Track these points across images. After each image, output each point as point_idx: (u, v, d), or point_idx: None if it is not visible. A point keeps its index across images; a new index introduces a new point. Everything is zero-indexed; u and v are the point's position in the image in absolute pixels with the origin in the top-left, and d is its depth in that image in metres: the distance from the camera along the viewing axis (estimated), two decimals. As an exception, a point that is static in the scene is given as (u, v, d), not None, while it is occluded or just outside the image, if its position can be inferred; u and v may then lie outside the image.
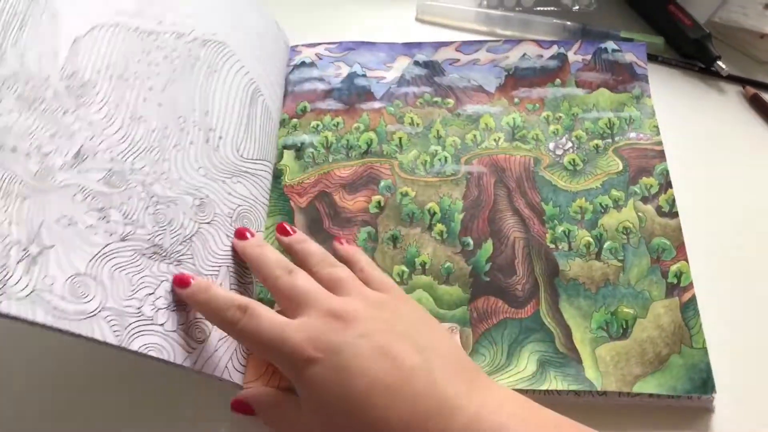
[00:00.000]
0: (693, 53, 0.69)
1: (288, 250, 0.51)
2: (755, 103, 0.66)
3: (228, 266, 0.50)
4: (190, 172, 0.50)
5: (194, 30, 0.57)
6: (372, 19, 0.73)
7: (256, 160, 0.58)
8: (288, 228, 0.52)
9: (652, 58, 0.69)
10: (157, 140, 0.50)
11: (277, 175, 0.61)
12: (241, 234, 0.51)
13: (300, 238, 0.51)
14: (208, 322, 0.48)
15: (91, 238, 0.42)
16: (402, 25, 0.73)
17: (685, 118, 0.65)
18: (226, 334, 0.48)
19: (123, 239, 0.44)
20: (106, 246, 0.43)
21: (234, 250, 0.51)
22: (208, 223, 0.49)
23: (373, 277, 0.46)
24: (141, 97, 0.48)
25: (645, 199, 0.58)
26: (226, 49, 0.57)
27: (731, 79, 0.68)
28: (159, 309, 0.45)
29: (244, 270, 0.52)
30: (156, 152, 0.49)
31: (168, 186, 0.48)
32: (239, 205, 0.54)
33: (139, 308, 0.43)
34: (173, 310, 0.46)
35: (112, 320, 0.41)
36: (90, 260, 0.41)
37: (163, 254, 0.47)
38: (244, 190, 0.55)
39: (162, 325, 0.44)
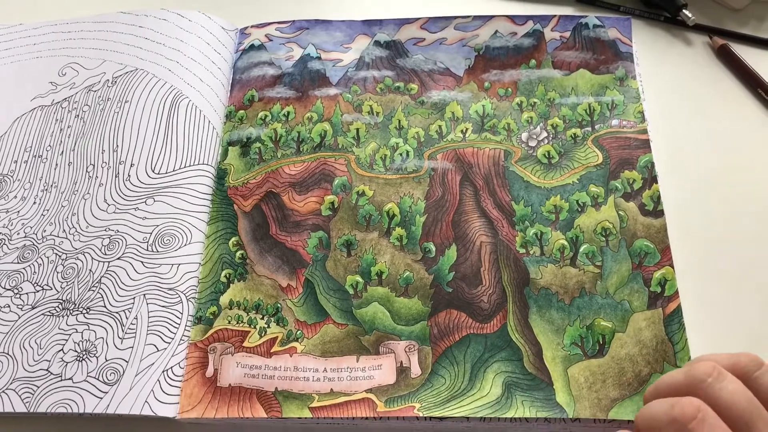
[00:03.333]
0: (657, 1, 0.64)
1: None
2: (724, 55, 0.61)
3: (144, 294, 0.49)
4: (99, 214, 0.53)
5: (104, 73, 0.60)
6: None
7: (180, 170, 0.55)
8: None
9: (612, 8, 0.63)
10: (66, 198, 0.53)
11: (221, 175, 0.56)
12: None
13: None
14: (123, 360, 0.44)
15: (4, 317, 0.46)
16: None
17: (650, 75, 0.60)
18: (144, 367, 0.45)
19: (33, 307, 0.46)
20: (18, 319, 0.46)
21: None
22: (118, 258, 0.51)
23: None
24: (53, 166, 0.55)
25: (627, 196, 0.53)
26: (138, 73, 0.60)
27: (698, 28, 0.63)
28: (68, 363, 0.45)
29: (166, 292, 0.49)
30: (66, 210, 0.52)
31: (77, 238, 0.51)
32: (157, 226, 0.52)
33: (47, 369, 0.44)
34: (82, 359, 0.45)
35: (22, 389, 0.42)
36: (2, 339, 0.44)
37: (72, 307, 0.47)
38: (163, 207, 0.53)
39: (71, 378, 0.44)
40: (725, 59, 0.61)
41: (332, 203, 0.54)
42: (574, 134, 0.57)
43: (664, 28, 0.65)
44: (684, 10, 0.62)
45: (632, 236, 0.51)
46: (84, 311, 0.46)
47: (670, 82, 0.61)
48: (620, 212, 0.52)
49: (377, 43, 0.63)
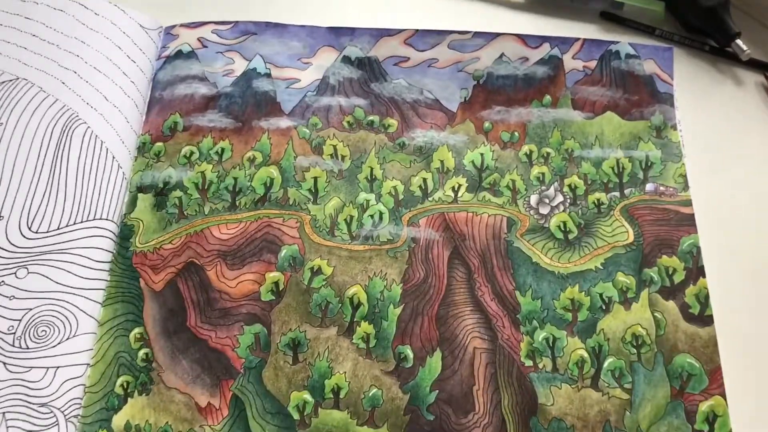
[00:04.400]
0: (703, 27, 0.54)
1: None
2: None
3: (3, 413, 0.40)
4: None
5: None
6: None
7: (68, 227, 0.45)
8: None
9: (645, 30, 0.56)
10: None
11: (125, 235, 0.46)
12: None
13: None
14: None
15: None
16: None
17: (691, 122, 0.52)
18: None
19: None
20: None
21: None
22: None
23: None
24: None
25: (665, 292, 0.44)
26: (18, 84, 0.48)
27: (753, 64, 0.54)
28: None
29: (36, 409, 0.40)
30: None
31: None
32: (29, 310, 0.42)
33: None
34: None
35: None
36: None
37: None
38: (41, 282, 0.43)
39: None
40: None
41: (276, 284, 0.45)
42: (598, 200, 0.48)
43: (708, 60, 0.55)
44: (737, 41, 0.53)
45: (672, 349, 0.43)
46: None
47: (716, 134, 0.52)
48: (656, 314, 0.44)
49: (347, 60, 0.53)
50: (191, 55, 0.52)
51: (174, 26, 0.54)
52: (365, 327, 0.44)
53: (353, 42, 0.53)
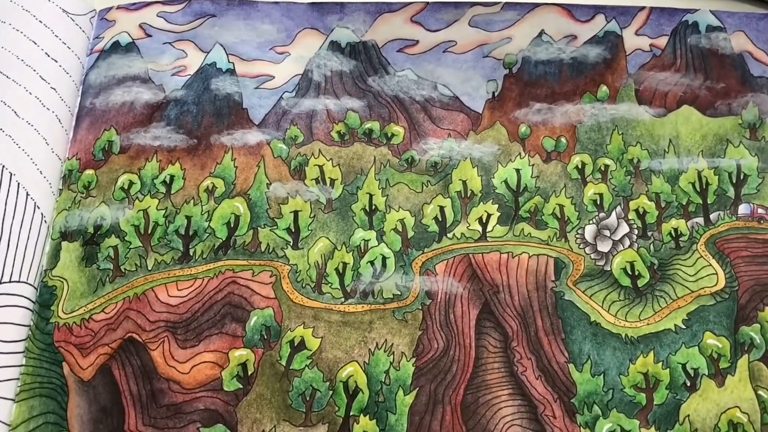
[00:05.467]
0: None
1: None
2: None
3: None
4: None
5: None
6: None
7: None
8: None
9: None
10: None
11: (44, 301, 0.38)
12: None
13: None
14: None
15: None
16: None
17: None
18: None
19: None
20: None
21: None
22: None
23: None
24: None
25: None
26: None
27: None
28: None
29: None
30: None
31: None
32: None
33: None
34: None
35: None
36: None
37: None
38: None
39: None
40: None
41: (244, 366, 0.37)
42: (676, 230, 0.40)
43: None
44: None
45: None
46: None
47: None
48: (761, 392, 0.36)
49: (335, 47, 0.45)
50: (131, 47, 0.44)
51: (110, 9, 0.46)
52: (365, 424, 0.36)
53: (343, 22, 0.46)
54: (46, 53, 0.41)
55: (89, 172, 0.40)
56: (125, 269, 0.38)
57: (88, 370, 0.36)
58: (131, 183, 0.41)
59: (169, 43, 0.44)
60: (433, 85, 0.44)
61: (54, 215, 0.40)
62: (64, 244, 0.39)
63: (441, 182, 0.42)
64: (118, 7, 0.46)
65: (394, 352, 0.37)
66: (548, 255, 0.40)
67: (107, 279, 0.38)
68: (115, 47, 0.44)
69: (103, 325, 0.37)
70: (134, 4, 0.46)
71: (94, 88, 0.43)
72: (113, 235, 0.39)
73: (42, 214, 0.38)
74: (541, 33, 0.45)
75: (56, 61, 0.41)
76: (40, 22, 0.41)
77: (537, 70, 0.44)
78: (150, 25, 0.44)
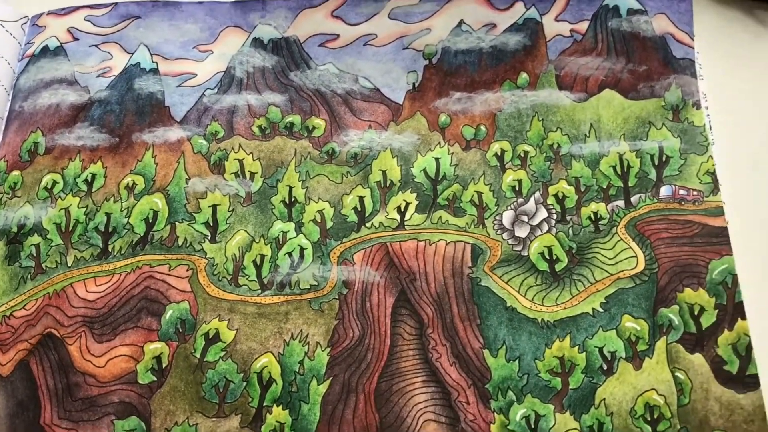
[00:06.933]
0: None
1: None
2: None
3: None
4: None
5: None
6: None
7: None
8: None
9: None
10: None
11: None
12: None
13: None
14: None
15: None
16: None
17: (718, 89, 0.44)
18: None
19: None
20: None
21: None
22: None
23: None
24: None
25: (691, 341, 0.37)
26: None
27: None
28: None
29: None
30: None
31: None
32: None
33: None
34: None
35: None
36: None
37: None
38: None
39: None
40: None
41: (158, 359, 0.37)
42: (595, 214, 0.40)
43: (743, 8, 0.46)
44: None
45: (701, 425, 0.35)
46: None
47: (758, 113, 0.44)
48: (678, 374, 0.36)
49: (258, 43, 0.45)
50: (59, 51, 0.45)
51: (41, 15, 0.47)
52: (278, 414, 0.35)
53: (265, 19, 0.46)
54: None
55: (15, 173, 0.41)
56: (46, 266, 0.39)
57: (7, 366, 0.37)
58: (54, 182, 0.41)
59: (96, 45, 0.45)
60: (355, 78, 0.44)
61: (-21, 216, 0.39)
62: (-12, 244, 0.38)
63: (361, 173, 0.41)
64: (49, 13, 0.46)
65: (309, 342, 0.37)
66: (465, 242, 0.39)
67: (29, 276, 0.39)
68: (44, 51, 0.45)
69: (23, 321, 0.38)
70: (64, 9, 0.47)
71: (23, 92, 0.44)
72: (36, 234, 0.40)
73: (-33, 215, 0.38)
74: (461, 23, 0.45)
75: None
76: (-31, 29, 0.41)
77: (457, 60, 0.44)
78: (77, 29, 0.46)
